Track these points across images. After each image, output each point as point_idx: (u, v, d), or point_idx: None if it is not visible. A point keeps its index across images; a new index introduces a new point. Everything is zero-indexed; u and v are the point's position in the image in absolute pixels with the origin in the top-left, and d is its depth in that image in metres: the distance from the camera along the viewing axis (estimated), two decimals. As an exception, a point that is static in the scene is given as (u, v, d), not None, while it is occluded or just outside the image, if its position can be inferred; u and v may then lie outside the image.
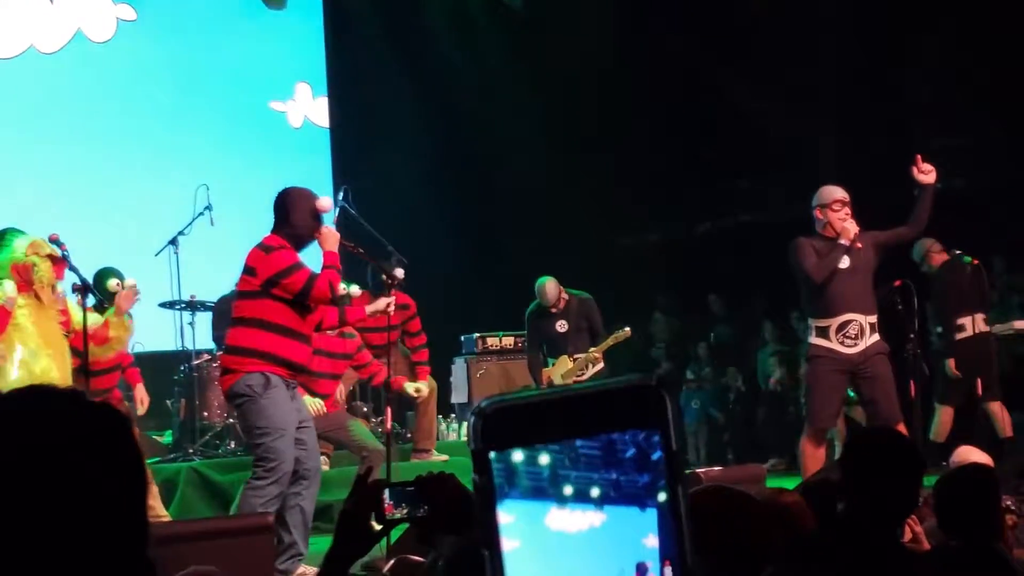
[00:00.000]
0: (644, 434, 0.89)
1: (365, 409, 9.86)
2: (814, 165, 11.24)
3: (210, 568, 3.50)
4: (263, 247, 6.11)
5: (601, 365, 9.71)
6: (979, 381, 8.92)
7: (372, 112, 13.11)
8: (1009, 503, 5.38)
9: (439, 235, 12.03)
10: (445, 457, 9.12)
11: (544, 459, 0.87)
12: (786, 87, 11.58)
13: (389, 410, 7.76)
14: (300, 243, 6.23)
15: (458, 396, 10.23)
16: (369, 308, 7.23)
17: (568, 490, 0.87)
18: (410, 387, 8.66)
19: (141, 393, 7.96)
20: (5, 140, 11.23)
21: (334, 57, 13.33)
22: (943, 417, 9.29)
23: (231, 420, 9.16)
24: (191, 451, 9.06)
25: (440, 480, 2.55)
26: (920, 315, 9.17)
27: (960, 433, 9.03)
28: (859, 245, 7.53)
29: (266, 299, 6.06)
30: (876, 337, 7.69)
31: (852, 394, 8.13)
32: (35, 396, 1.21)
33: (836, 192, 7.69)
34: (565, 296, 9.63)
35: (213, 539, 5.49)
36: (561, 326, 9.60)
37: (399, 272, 8.65)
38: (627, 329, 9.61)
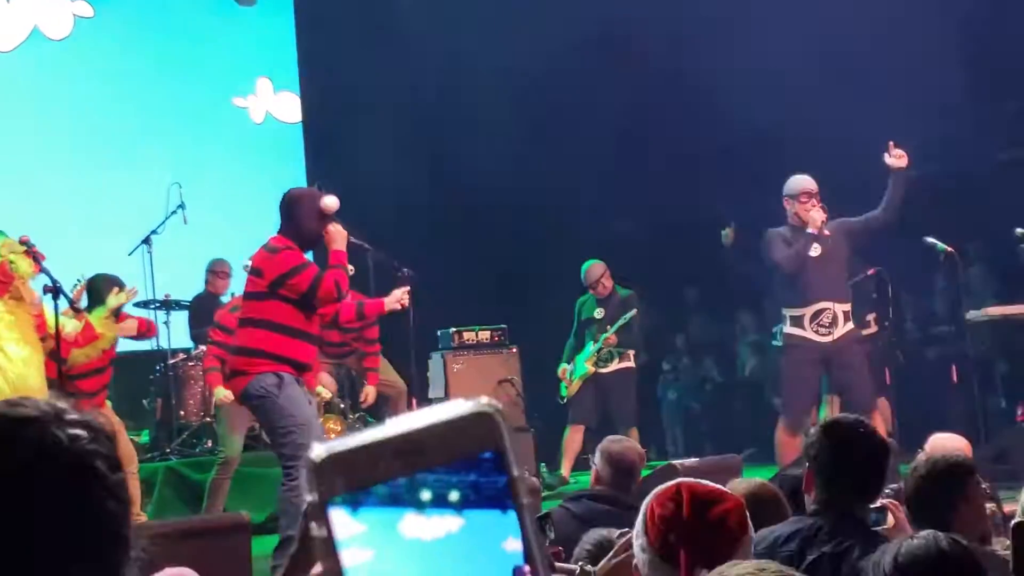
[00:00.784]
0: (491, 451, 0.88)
1: (343, 406, 9.84)
2: (783, 156, 11.26)
3: (184, 569, 3.47)
4: (269, 248, 6.15)
5: (630, 363, 10.01)
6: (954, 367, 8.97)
7: (345, 107, 13.06)
8: (985, 487, 5.41)
9: (415, 229, 12.00)
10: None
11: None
12: (760, 79, 11.60)
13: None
14: (307, 243, 6.28)
15: (435, 391, 10.22)
16: (388, 300, 7.19)
17: (426, 495, 0.85)
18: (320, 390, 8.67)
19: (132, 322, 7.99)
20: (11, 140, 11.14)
21: (306, 52, 13.29)
22: None
23: (208, 419, 9.14)
24: (168, 451, 9.03)
25: None
26: (894, 302, 9.23)
27: (937, 419, 9.08)
28: (826, 233, 7.57)
29: (273, 300, 6.12)
30: (850, 325, 7.73)
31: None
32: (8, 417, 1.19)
33: (804, 183, 7.73)
34: (608, 283, 9.99)
35: (190, 539, 5.47)
36: (599, 313, 9.94)
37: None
38: (635, 310, 9.86)
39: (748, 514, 2.43)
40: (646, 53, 12.45)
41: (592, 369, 9.96)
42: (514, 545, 0.87)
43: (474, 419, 0.88)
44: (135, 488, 7.62)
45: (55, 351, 6.71)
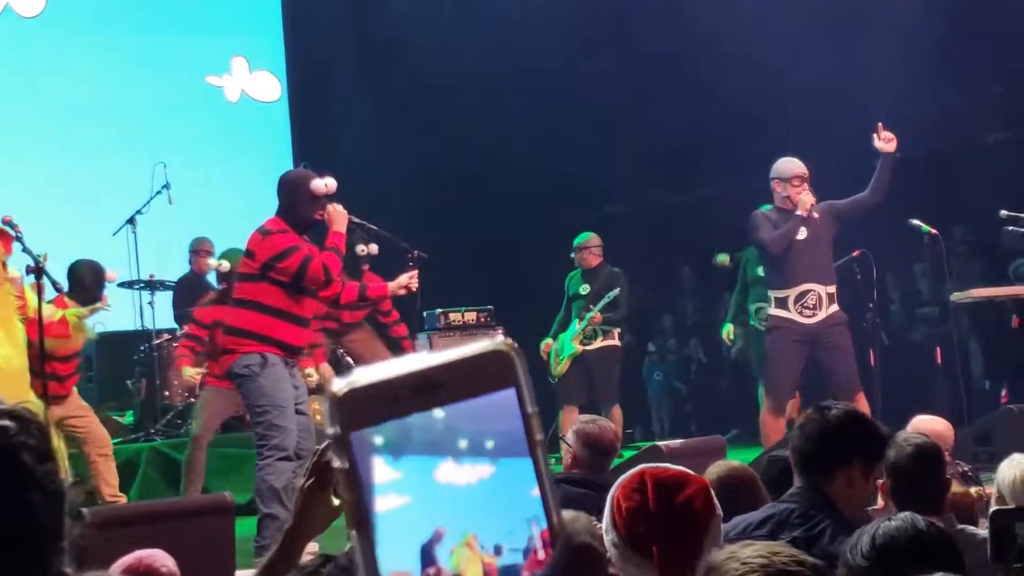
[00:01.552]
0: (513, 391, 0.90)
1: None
2: (778, 138, 11.26)
3: (154, 551, 3.47)
4: (262, 230, 6.20)
5: (615, 341, 9.99)
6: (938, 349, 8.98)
7: (330, 85, 13.02)
8: (966, 469, 5.42)
9: (401, 210, 11.97)
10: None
11: (439, 414, 0.87)
12: (752, 62, 11.60)
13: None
14: (302, 226, 6.28)
15: (421, 372, 10.20)
16: (393, 284, 7.16)
17: (463, 443, 0.88)
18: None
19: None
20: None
21: (291, 33, 13.23)
22: None
23: (192, 400, 9.12)
24: (152, 431, 9.01)
25: None
26: (879, 285, 9.24)
27: (921, 400, 9.10)
28: (816, 216, 7.58)
29: (263, 282, 6.17)
30: (835, 307, 7.74)
31: None
32: None
33: (797, 167, 7.73)
34: (594, 258, 10.05)
35: (173, 520, 5.46)
36: (584, 289, 10.01)
37: (373, 248, 8.65)
38: (619, 288, 9.90)
39: (714, 494, 2.43)
40: (642, 32, 12.42)
41: (579, 348, 9.98)
42: (538, 493, 0.90)
43: (491, 356, 0.89)
44: (110, 470, 7.58)
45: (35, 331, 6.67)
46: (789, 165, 7.76)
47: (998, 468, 4.52)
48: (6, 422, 1.21)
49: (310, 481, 2.57)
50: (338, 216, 6.24)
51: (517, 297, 11.24)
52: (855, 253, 8.60)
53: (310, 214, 6.28)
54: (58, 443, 6.81)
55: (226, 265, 7.90)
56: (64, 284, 7.42)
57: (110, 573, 3.35)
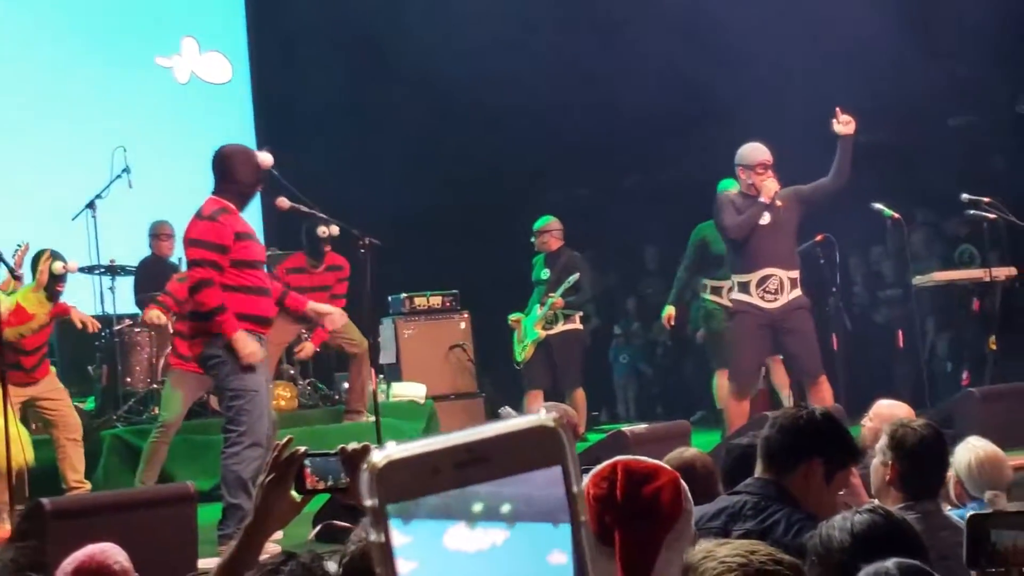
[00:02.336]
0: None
1: (292, 372, 9.80)
2: (744, 122, 11.28)
3: (106, 544, 3.43)
4: (199, 216, 6.04)
5: (576, 325, 10.05)
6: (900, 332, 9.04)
7: (293, 68, 12.93)
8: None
9: (364, 193, 11.91)
10: (372, 418, 9.07)
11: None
12: (719, 47, 11.61)
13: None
14: (244, 201, 6.22)
15: (386, 357, 10.19)
16: (314, 306, 7.16)
17: (476, 507, 0.85)
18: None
19: (79, 315, 7.85)
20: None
21: (254, 15, 13.12)
22: None
23: (155, 386, 9.06)
24: (115, 417, 8.95)
25: (362, 451, 2.51)
26: (842, 269, 9.28)
27: (883, 383, 9.16)
28: (779, 204, 7.60)
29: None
30: (797, 292, 7.77)
31: None
32: None
33: (760, 154, 7.74)
34: (553, 242, 10.12)
35: (135, 510, 5.43)
36: (545, 274, 10.08)
37: (335, 229, 8.63)
38: (577, 274, 9.92)
39: (685, 488, 2.42)
40: (611, 15, 12.41)
41: (542, 333, 9.99)
42: (559, 559, 0.86)
43: (537, 432, 0.87)
44: (78, 456, 7.54)
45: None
46: (753, 152, 7.78)
47: (955, 451, 4.57)
48: None
49: (270, 476, 2.55)
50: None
51: (481, 280, 11.23)
52: (818, 238, 8.63)
53: (253, 188, 6.25)
54: (17, 429, 6.74)
55: None
56: (25, 273, 7.37)
57: (62, 570, 3.33)
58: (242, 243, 6.12)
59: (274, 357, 8.19)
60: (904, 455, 3.74)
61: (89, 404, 9.59)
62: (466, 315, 10.58)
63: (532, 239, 10.22)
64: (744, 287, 7.78)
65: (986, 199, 8.61)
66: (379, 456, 0.84)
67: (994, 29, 10.72)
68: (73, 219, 9.50)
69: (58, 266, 7.50)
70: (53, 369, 7.96)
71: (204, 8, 12.81)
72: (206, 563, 5.46)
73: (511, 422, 0.88)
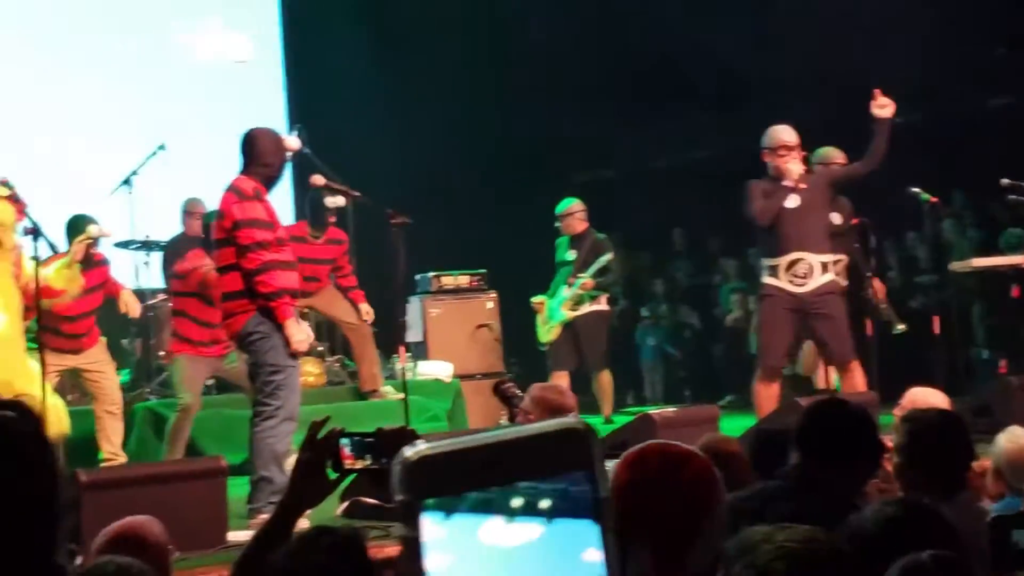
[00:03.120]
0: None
1: (320, 348, 9.82)
2: (778, 102, 11.22)
3: (142, 517, 3.46)
4: (242, 195, 6.04)
5: (603, 306, 10.01)
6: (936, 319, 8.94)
7: (325, 46, 12.94)
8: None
9: (395, 171, 11.92)
10: (401, 395, 9.08)
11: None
12: (753, 23, 11.55)
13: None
14: (271, 182, 6.24)
15: (413, 335, 10.19)
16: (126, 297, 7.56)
17: (513, 502, 0.87)
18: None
19: (127, 296, 7.86)
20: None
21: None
22: None
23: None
24: (147, 391, 9.01)
25: (400, 433, 2.52)
26: (878, 254, 9.21)
27: (919, 370, 9.08)
28: (802, 186, 7.55)
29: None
30: (829, 276, 7.71)
31: None
32: None
33: (783, 135, 7.69)
34: (578, 224, 10.04)
35: (166, 483, 5.47)
36: (571, 255, 10.01)
37: (340, 200, 8.65)
38: (609, 255, 9.90)
39: (719, 475, 2.39)
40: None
41: (569, 314, 9.98)
42: (594, 556, 0.88)
43: (565, 434, 0.88)
44: (115, 429, 7.58)
45: (35, 296, 6.64)
46: (776, 134, 7.73)
47: (995, 441, 4.51)
48: (8, 412, 1.20)
49: (306, 455, 2.56)
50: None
51: (509, 260, 11.21)
52: (853, 222, 8.57)
53: (280, 171, 6.27)
54: (53, 399, 6.80)
55: None
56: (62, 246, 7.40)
57: (97, 542, 3.36)
58: (278, 223, 6.20)
59: None
60: (912, 445, 3.66)
61: (123, 377, 9.65)
62: (493, 295, 10.57)
63: (556, 224, 10.19)
64: (773, 271, 7.74)
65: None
66: (411, 452, 0.85)
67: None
68: (111, 194, 9.57)
69: (93, 228, 7.54)
70: (103, 340, 7.99)
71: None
72: (235, 536, 5.50)
73: (541, 424, 0.89)
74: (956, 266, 9.33)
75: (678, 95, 12.10)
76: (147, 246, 9.66)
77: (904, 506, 2.59)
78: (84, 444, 7.44)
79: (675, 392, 12.95)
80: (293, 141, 6.47)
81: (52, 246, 6.82)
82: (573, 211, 10.09)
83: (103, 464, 7.32)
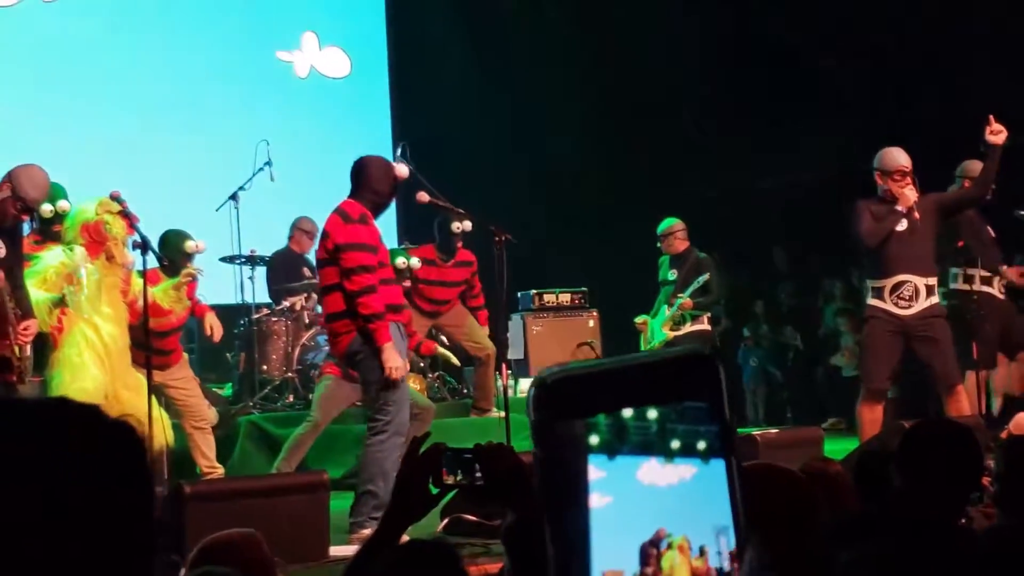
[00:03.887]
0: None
1: (422, 364, 9.89)
2: (876, 122, 11.08)
3: (248, 531, 3.50)
4: (347, 219, 6.15)
5: (704, 326, 9.94)
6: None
7: (430, 65, 13.06)
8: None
9: (497, 190, 11.98)
10: (502, 413, 9.13)
11: (652, 414, 0.89)
12: (856, 46, 11.44)
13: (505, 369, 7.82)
14: (380, 209, 6.37)
15: (514, 352, 10.24)
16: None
17: (675, 443, 0.90)
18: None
19: (212, 320, 8.00)
20: (54, 99, 11.18)
21: (393, 14, 13.28)
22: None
23: (290, 374, 9.24)
24: (251, 404, 9.14)
25: (497, 450, 2.53)
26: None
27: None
28: (916, 216, 7.47)
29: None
30: (934, 299, 7.61)
31: None
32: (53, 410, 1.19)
33: (899, 159, 7.60)
34: (679, 244, 9.97)
35: (269, 496, 5.54)
36: (672, 274, 9.98)
37: (467, 225, 8.72)
38: (707, 275, 9.85)
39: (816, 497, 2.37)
40: (740, 22, 12.27)
41: (670, 334, 9.94)
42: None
43: (695, 361, 0.91)
44: (207, 442, 7.66)
45: (142, 311, 6.78)
46: (891, 157, 7.63)
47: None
48: (130, 424, 1.23)
49: (407, 470, 2.59)
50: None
51: (611, 279, 11.20)
52: (959, 244, 8.44)
53: (389, 199, 6.41)
54: (159, 411, 6.94)
55: None
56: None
57: (195, 552, 3.41)
58: (381, 245, 6.33)
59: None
60: (1005, 469, 3.59)
61: (227, 390, 9.83)
62: (595, 313, 10.57)
63: (658, 244, 10.14)
64: (878, 292, 7.65)
65: None
66: (548, 372, 0.88)
67: None
68: (216, 210, 9.74)
69: (190, 245, 7.67)
70: (186, 356, 8.09)
71: (325, 3, 12.96)
72: (336, 551, 5.55)
73: (672, 350, 0.92)
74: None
75: (783, 113, 12.02)
76: (251, 261, 9.81)
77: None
78: (181, 459, 7.55)
79: (777, 413, 12.82)
80: (402, 169, 6.61)
81: (160, 260, 6.96)
82: (674, 230, 10.04)
83: (204, 477, 7.41)
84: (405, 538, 2.69)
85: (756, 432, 7.25)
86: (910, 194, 7.50)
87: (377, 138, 12.39)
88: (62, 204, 7.05)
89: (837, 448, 7.36)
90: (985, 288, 8.41)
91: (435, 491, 2.60)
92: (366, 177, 6.29)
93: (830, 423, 10.95)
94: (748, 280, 13.68)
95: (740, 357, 13.25)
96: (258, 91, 12.10)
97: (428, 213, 8.91)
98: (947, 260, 8.34)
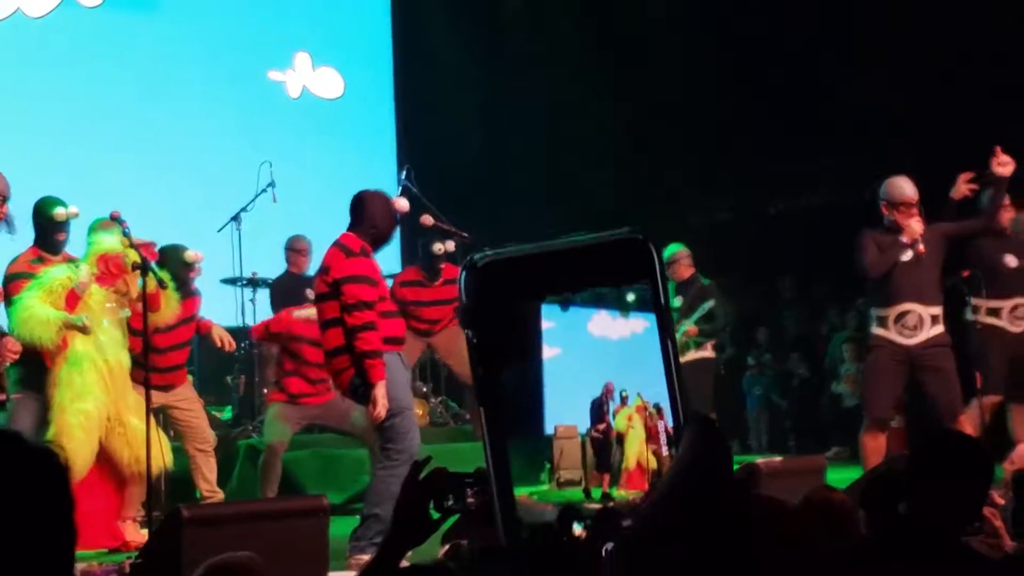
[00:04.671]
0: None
1: (425, 389, 9.86)
2: (887, 147, 11.07)
3: (245, 554, 3.46)
4: (348, 252, 6.13)
5: (708, 353, 9.87)
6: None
7: (434, 84, 13.06)
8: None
9: (504, 210, 11.96)
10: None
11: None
12: (866, 71, 11.44)
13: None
14: (380, 243, 6.34)
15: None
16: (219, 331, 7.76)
17: (630, 296, 0.90)
18: None
19: (220, 332, 7.95)
20: (61, 112, 11.16)
21: (399, 34, 13.30)
22: None
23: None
24: (251, 428, 9.09)
25: None
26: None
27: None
28: (922, 249, 7.44)
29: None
30: (939, 329, 7.58)
31: None
32: None
33: (906, 191, 7.57)
34: (684, 270, 9.92)
35: (268, 521, 5.49)
36: (677, 300, 9.89)
37: (450, 245, 8.71)
38: (712, 301, 9.80)
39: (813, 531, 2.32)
40: (750, 48, 12.29)
41: (675, 362, 9.90)
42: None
43: (628, 244, 0.88)
44: (209, 466, 7.61)
45: (141, 330, 6.76)
46: (898, 189, 7.60)
47: None
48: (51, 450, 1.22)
49: (407, 494, 2.55)
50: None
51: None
52: (965, 274, 8.41)
53: (390, 232, 6.39)
54: (157, 433, 6.90)
55: None
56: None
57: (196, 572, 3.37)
58: (382, 279, 6.35)
59: None
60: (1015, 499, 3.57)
61: (226, 414, 9.78)
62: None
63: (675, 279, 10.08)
64: (882, 321, 7.63)
65: None
66: (478, 255, 0.85)
67: None
68: (219, 231, 9.71)
69: (189, 254, 7.63)
70: (190, 378, 8.04)
71: (317, 23, 12.94)
72: (335, 576, 5.51)
73: (601, 234, 0.90)
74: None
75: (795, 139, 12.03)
76: (253, 283, 9.78)
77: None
78: (181, 482, 7.50)
79: (780, 442, 12.77)
80: (402, 203, 6.62)
81: (160, 281, 6.90)
82: (678, 257, 10.00)
83: (204, 501, 7.36)
84: (405, 563, 2.65)
85: (759, 460, 7.20)
86: (916, 226, 7.47)
87: (381, 158, 12.41)
88: (73, 209, 7.02)
89: (840, 477, 7.31)
90: (990, 320, 8.34)
91: (436, 516, 2.56)
92: (366, 212, 6.27)
93: (833, 452, 10.89)
94: (753, 307, 13.65)
95: (744, 385, 13.21)
96: (261, 112, 12.07)
97: (428, 234, 8.96)
98: (955, 290, 8.29)
